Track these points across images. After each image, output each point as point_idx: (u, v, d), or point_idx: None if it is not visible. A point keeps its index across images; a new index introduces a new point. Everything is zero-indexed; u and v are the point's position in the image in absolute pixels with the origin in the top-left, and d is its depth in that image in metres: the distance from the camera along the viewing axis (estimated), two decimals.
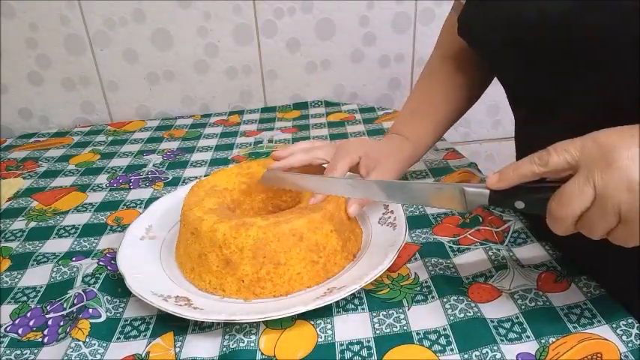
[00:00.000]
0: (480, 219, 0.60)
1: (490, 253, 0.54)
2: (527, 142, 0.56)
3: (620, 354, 0.41)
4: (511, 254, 0.54)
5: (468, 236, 0.57)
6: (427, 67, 0.70)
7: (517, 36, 0.48)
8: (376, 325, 0.46)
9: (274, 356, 0.44)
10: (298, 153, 0.59)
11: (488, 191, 0.42)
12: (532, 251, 0.54)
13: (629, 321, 0.44)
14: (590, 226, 0.37)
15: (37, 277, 0.57)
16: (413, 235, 0.59)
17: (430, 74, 0.68)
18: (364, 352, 0.44)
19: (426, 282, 0.51)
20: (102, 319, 0.49)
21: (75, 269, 0.57)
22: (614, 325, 0.43)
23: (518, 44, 0.48)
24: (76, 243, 0.63)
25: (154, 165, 0.86)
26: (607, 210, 0.35)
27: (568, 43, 0.43)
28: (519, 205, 0.41)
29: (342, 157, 0.57)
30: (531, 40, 0.46)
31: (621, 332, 0.43)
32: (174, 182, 0.79)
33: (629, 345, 0.41)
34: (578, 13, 0.42)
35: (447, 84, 0.65)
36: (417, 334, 0.45)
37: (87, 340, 0.47)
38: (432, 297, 0.49)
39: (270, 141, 0.93)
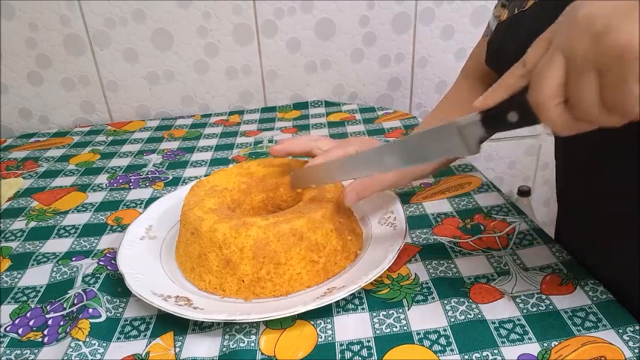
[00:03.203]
0: (482, 227, 0.60)
1: (492, 260, 0.54)
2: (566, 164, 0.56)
3: (626, 359, 0.40)
4: (515, 258, 0.54)
5: (470, 243, 0.57)
6: (449, 90, 0.68)
7: None
8: (376, 325, 0.46)
9: (274, 356, 0.44)
10: (301, 139, 0.60)
11: (479, 115, 0.39)
12: (538, 253, 0.54)
13: (637, 327, 0.43)
14: (580, 101, 0.31)
15: (37, 277, 0.57)
16: (413, 235, 0.59)
17: (452, 95, 0.66)
18: (364, 352, 0.44)
19: (427, 282, 0.51)
20: (102, 319, 0.49)
21: (75, 269, 0.57)
22: (620, 331, 0.43)
23: None
24: (76, 243, 0.63)
25: (154, 165, 0.86)
26: (580, 69, 0.31)
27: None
28: (513, 117, 0.37)
29: (338, 149, 0.57)
30: None
31: (627, 338, 0.42)
32: (174, 182, 0.79)
33: (636, 351, 0.41)
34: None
35: (465, 107, 0.63)
36: (417, 334, 0.45)
37: (87, 340, 0.47)
38: (433, 297, 0.49)
39: (270, 141, 0.93)
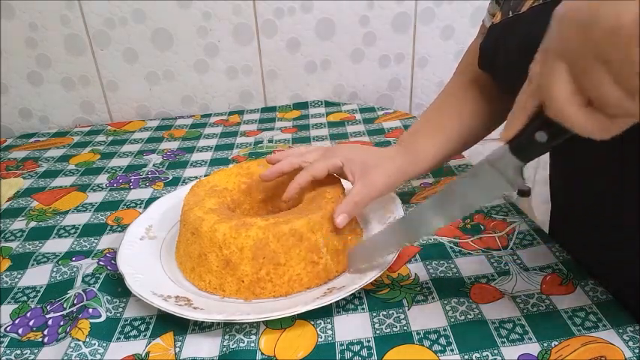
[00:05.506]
0: (482, 227, 0.60)
1: (492, 260, 0.54)
2: (562, 168, 0.55)
3: (626, 359, 0.40)
4: (515, 258, 0.54)
5: (470, 243, 0.57)
6: (446, 87, 0.66)
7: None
8: (376, 325, 0.46)
9: (274, 356, 0.44)
10: (290, 157, 0.59)
11: (507, 146, 0.38)
12: (538, 253, 0.54)
13: (637, 327, 0.43)
14: (601, 98, 0.29)
15: (37, 277, 0.57)
16: None
17: (447, 92, 0.65)
18: (364, 352, 0.44)
19: (427, 282, 0.51)
20: (102, 319, 0.49)
21: (75, 269, 0.57)
22: (620, 331, 0.43)
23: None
24: (76, 243, 0.63)
25: (154, 165, 0.86)
26: (584, 68, 0.29)
27: None
28: (541, 137, 0.34)
29: (324, 159, 0.57)
30: None
31: (627, 338, 0.42)
32: (174, 182, 0.79)
33: (636, 351, 0.41)
34: None
35: (463, 103, 0.61)
36: (417, 334, 0.45)
37: (87, 340, 0.47)
38: (433, 297, 0.49)
39: (270, 141, 0.93)
